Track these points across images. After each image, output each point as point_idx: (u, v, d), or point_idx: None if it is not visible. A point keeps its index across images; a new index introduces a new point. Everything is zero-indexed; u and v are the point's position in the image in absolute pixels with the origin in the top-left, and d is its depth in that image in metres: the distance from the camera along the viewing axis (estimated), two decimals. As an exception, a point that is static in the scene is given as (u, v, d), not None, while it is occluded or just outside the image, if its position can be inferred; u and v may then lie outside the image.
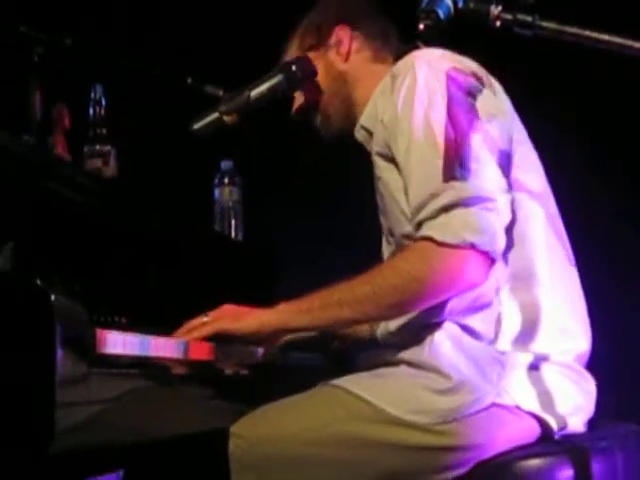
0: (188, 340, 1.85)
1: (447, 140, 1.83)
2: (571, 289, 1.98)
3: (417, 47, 1.97)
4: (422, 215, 1.81)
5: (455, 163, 1.80)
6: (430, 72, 1.90)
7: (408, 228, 1.89)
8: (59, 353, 1.39)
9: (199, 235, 2.39)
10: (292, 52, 2.17)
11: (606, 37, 1.56)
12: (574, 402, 1.90)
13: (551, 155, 2.03)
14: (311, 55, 2.11)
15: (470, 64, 1.98)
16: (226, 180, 2.63)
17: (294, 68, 2.06)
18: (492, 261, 1.80)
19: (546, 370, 1.89)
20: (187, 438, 1.92)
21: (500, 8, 1.59)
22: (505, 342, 1.87)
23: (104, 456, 1.98)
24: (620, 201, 3.03)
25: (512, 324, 1.88)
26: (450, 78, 1.89)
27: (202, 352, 1.91)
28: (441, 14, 1.58)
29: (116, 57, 2.35)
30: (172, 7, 2.01)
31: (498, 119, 1.90)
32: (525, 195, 1.92)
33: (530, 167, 1.97)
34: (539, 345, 1.89)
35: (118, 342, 1.56)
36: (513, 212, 1.87)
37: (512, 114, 1.99)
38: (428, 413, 1.79)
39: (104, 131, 2.38)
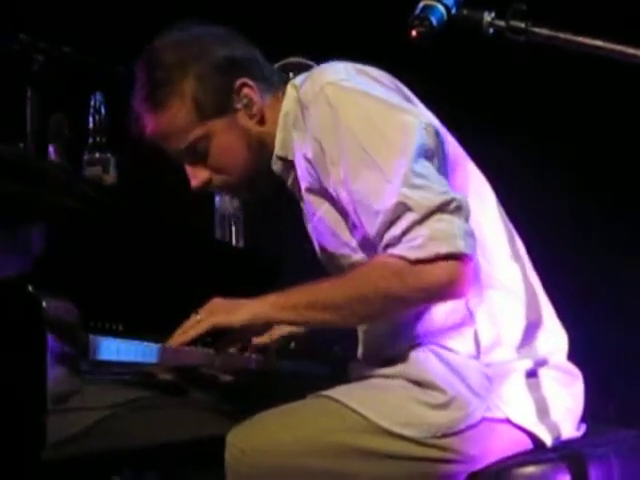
0: (184, 346, 1.86)
1: (386, 162, 1.79)
2: (535, 284, 1.97)
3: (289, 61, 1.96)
4: (386, 241, 1.78)
5: (401, 181, 1.76)
6: (344, 95, 1.85)
7: (355, 257, 1.88)
8: (50, 359, 1.39)
9: (199, 242, 2.39)
10: (182, 125, 1.94)
11: (599, 43, 1.57)
12: (565, 406, 1.91)
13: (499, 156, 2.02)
14: (214, 126, 1.95)
15: (375, 72, 1.95)
16: (223, 192, 2.62)
17: None
18: (471, 259, 1.77)
19: (543, 376, 1.89)
20: (183, 445, 1.92)
21: (493, 15, 1.60)
22: (505, 350, 1.87)
23: (100, 464, 1.98)
24: (573, 200, 3.05)
25: (504, 327, 1.88)
26: (365, 95, 1.85)
27: (199, 358, 1.92)
28: (434, 21, 1.58)
29: (115, 65, 2.36)
30: (172, 15, 2.01)
31: (421, 123, 1.85)
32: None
33: (461, 164, 1.95)
34: (539, 344, 1.90)
35: (112, 349, 1.57)
36: None
37: (430, 115, 1.95)
38: (419, 427, 1.80)
39: (104, 139, 2.39)
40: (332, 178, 1.84)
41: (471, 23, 1.60)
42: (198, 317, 1.89)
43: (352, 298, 1.82)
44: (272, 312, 1.87)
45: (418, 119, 1.84)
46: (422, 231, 1.74)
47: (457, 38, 1.61)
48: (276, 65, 2.06)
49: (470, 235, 1.76)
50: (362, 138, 1.81)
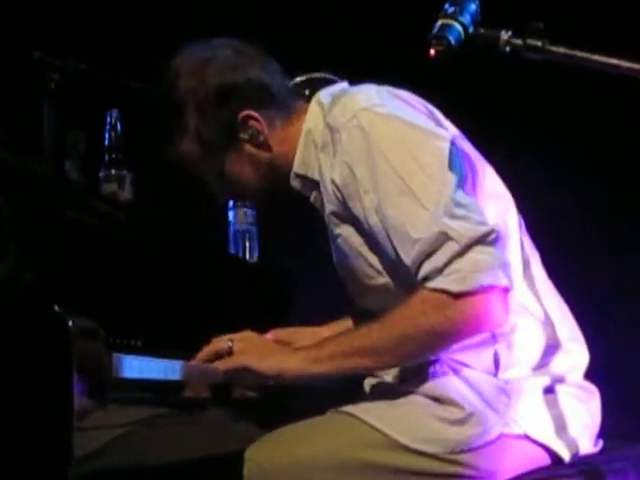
0: (205, 364, 1.87)
1: (422, 189, 1.77)
2: (558, 299, 1.97)
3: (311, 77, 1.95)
4: (424, 272, 1.75)
5: (442, 211, 1.75)
6: (378, 120, 1.83)
7: (380, 280, 1.87)
8: (76, 378, 1.41)
9: (213, 257, 2.40)
10: (192, 159, 1.96)
11: (614, 61, 1.58)
12: (583, 422, 1.91)
13: (514, 164, 2.02)
14: (222, 158, 1.95)
15: (407, 96, 1.94)
16: (240, 202, 2.63)
17: None
18: (510, 290, 1.76)
19: (561, 392, 1.89)
20: (202, 462, 1.93)
21: (510, 33, 1.61)
22: (522, 369, 1.88)
23: None
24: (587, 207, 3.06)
25: (523, 350, 1.88)
26: (399, 120, 1.83)
27: (219, 375, 1.93)
28: (452, 40, 1.59)
29: (132, 81, 2.38)
30: (187, 31, 2.02)
31: (456, 149, 1.84)
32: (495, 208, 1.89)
33: (490, 178, 1.94)
34: (555, 364, 1.90)
35: (135, 367, 1.58)
36: None
37: (457, 134, 1.94)
38: (437, 442, 1.80)
39: (120, 156, 2.40)
40: (364, 204, 1.82)
41: (488, 41, 1.61)
42: (230, 345, 1.90)
43: (394, 339, 1.79)
44: (304, 366, 1.85)
45: (452, 145, 1.82)
46: (463, 263, 1.72)
47: (475, 57, 1.62)
48: (298, 79, 2.05)
49: (508, 266, 1.76)
50: (397, 164, 1.80)
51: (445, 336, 1.77)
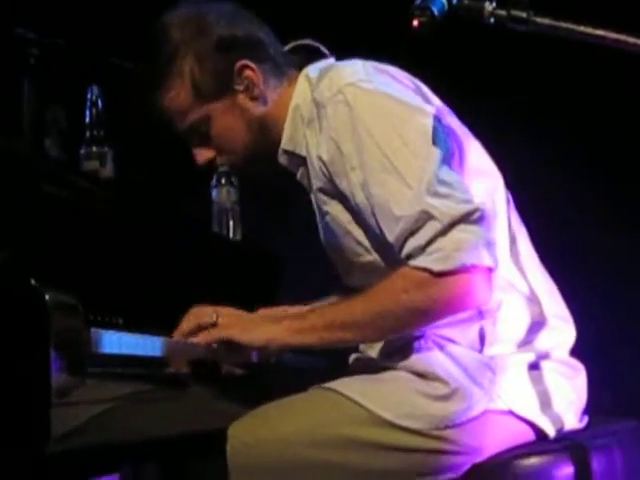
0: (187, 340, 1.86)
1: (406, 166, 1.76)
2: (545, 276, 1.97)
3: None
4: (407, 250, 1.75)
5: (425, 189, 1.74)
6: (363, 96, 1.81)
7: (368, 258, 1.86)
8: (53, 353, 1.39)
9: (196, 235, 2.39)
10: (182, 107, 1.93)
11: (601, 32, 1.56)
12: (568, 398, 1.91)
13: (508, 150, 2.01)
14: (214, 108, 1.93)
15: (394, 71, 1.93)
16: (224, 181, 2.62)
17: None
18: (492, 271, 1.75)
19: (546, 368, 1.89)
20: (185, 438, 1.92)
21: (494, 4, 1.59)
22: (507, 345, 1.88)
23: (103, 457, 1.98)
24: (580, 195, 3.06)
25: (508, 326, 1.88)
26: (385, 97, 1.82)
27: (201, 351, 1.92)
28: (435, 11, 1.57)
29: (113, 58, 2.35)
30: (169, 6, 2.00)
31: (442, 126, 1.83)
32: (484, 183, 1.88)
33: (477, 154, 1.93)
34: (540, 340, 1.90)
35: (115, 342, 1.56)
36: None
37: (444, 111, 1.93)
38: (421, 418, 1.79)
39: (101, 133, 2.38)
40: (350, 181, 1.81)
41: (472, 13, 1.60)
42: (214, 319, 1.88)
43: (374, 314, 1.79)
44: (288, 337, 1.85)
45: (438, 122, 1.81)
46: (446, 242, 1.71)
47: (458, 28, 1.60)
48: (286, 47, 2.02)
49: (492, 245, 1.75)
50: (382, 141, 1.79)
51: (426, 314, 1.78)
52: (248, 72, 1.93)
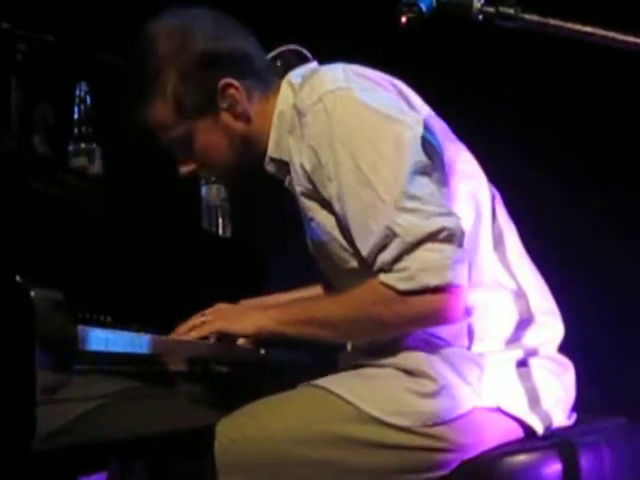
0: (175, 337, 1.86)
1: (380, 180, 1.76)
2: (533, 273, 1.97)
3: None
4: (377, 265, 1.77)
5: (394, 204, 1.75)
6: (342, 106, 1.81)
7: (354, 264, 1.87)
8: (38, 350, 1.38)
9: (186, 232, 2.38)
10: (164, 122, 1.92)
11: (589, 29, 1.56)
12: (556, 395, 1.91)
13: (494, 149, 2.01)
14: (196, 125, 1.92)
15: (375, 76, 1.92)
16: (213, 178, 2.61)
17: None
18: (462, 289, 1.76)
19: (534, 366, 1.89)
20: (173, 436, 1.92)
21: (482, 1, 1.59)
22: (495, 343, 1.88)
23: (91, 455, 1.97)
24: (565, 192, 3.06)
25: (496, 323, 1.88)
26: (363, 107, 1.81)
27: (189, 349, 1.92)
28: (423, 8, 1.57)
29: (101, 54, 2.34)
30: (157, 2, 1.99)
31: (417, 135, 1.82)
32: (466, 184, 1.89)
33: (460, 157, 1.93)
34: (528, 337, 1.90)
35: (101, 339, 1.56)
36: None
37: (427, 112, 1.93)
38: (410, 416, 1.79)
39: (89, 129, 2.37)
40: (329, 191, 1.83)
41: (460, 10, 1.60)
42: (203, 318, 1.92)
43: (347, 319, 1.84)
44: (275, 326, 1.89)
45: (413, 131, 1.81)
46: (411, 261, 1.73)
47: (446, 25, 1.60)
48: (270, 55, 2.01)
49: (460, 262, 1.75)
50: (356, 154, 1.79)
51: (393, 328, 1.82)
52: (231, 90, 1.92)
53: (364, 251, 1.79)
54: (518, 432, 1.86)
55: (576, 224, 3.09)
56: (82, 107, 2.38)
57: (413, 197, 1.75)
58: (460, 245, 1.76)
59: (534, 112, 3.06)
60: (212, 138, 1.95)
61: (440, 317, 1.77)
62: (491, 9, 1.58)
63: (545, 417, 1.87)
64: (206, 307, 2.01)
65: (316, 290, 2.14)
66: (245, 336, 1.93)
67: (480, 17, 1.59)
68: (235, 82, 1.92)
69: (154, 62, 1.91)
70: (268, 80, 1.96)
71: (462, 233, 1.77)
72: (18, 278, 1.41)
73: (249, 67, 1.94)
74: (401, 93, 1.93)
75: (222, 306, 1.99)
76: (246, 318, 1.92)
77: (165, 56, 1.90)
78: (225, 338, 1.92)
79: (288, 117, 1.91)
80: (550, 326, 1.95)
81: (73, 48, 2.34)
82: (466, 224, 1.81)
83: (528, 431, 1.86)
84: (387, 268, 1.76)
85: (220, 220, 2.62)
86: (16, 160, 1.89)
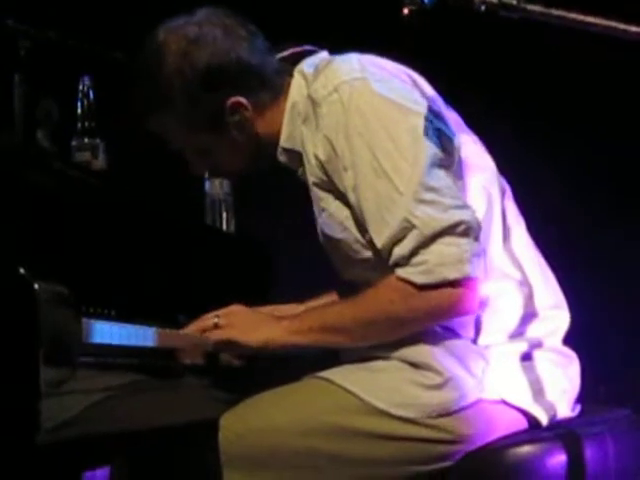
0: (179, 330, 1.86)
1: (397, 171, 1.76)
2: (541, 266, 1.97)
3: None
4: (393, 259, 1.76)
5: (412, 196, 1.74)
6: (358, 97, 1.80)
7: (366, 254, 1.86)
8: (43, 342, 1.38)
9: (189, 227, 2.38)
10: (174, 134, 1.94)
11: (592, 20, 1.56)
12: (561, 387, 1.90)
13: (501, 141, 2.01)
14: (206, 138, 1.93)
15: (390, 66, 1.91)
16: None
17: None
18: (478, 282, 1.77)
19: (538, 357, 1.89)
20: (177, 428, 1.92)
21: (485, -8, 1.59)
22: (499, 336, 1.88)
23: (96, 448, 1.98)
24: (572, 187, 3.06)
25: (503, 316, 1.88)
26: (379, 97, 1.81)
27: (193, 342, 1.92)
28: (425, -1, 1.57)
29: (104, 49, 2.35)
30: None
31: (433, 126, 1.82)
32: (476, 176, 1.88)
33: (472, 149, 1.92)
34: (532, 330, 1.89)
35: (106, 332, 1.56)
36: None
37: (440, 104, 1.91)
38: (414, 407, 1.79)
39: (93, 124, 2.38)
40: (344, 182, 1.82)
41: (463, 1, 1.59)
42: (216, 321, 1.90)
43: (362, 321, 1.83)
44: (287, 337, 1.88)
45: (431, 122, 1.80)
46: (429, 255, 1.73)
47: (449, 16, 1.60)
48: (280, 55, 1.98)
49: (478, 256, 1.75)
50: (373, 144, 1.78)
51: (408, 324, 1.80)
52: (239, 108, 1.91)
53: (379, 243, 1.78)
54: (523, 423, 1.86)
55: (582, 216, 3.08)
56: (85, 102, 2.38)
57: (431, 189, 1.75)
58: (477, 239, 1.76)
59: (537, 103, 3.06)
60: (223, 150, 1.96)
61: (456, 310, 1.77)
62: (494, 0, 1.58)
63: (549, 408, 1.87)
64: (209, 302, 1.99)
65: (332, 298, 2.11)
66: (251, 349, 1.90)
67: (483, 8, 1.58)
68: (242, 100, 1.90)
69: (162, 77, 1.89)
70: (277, 84, 1.94)
71: (479, 226, 1.77)
72: (22, 271, 1.41)
73: (256, 79, 1.92)
74: (416, 84, 1.93)
75: (236, 309, 1.94)
76: (257, 329, 1.89)
77: (172, 73, 1.88)
78: (225, 345, 1.91)
79: (302, 107, 1.90)
80: (555, 318, 1.94)
81: (76, 43, 2.34)
82: (479, 217, 1.81)
83: (533, 422, 1.86)
84: (403, 262, 1.75)
85: (224, 214, 2.62)
86: (20, 155, 1.89)
